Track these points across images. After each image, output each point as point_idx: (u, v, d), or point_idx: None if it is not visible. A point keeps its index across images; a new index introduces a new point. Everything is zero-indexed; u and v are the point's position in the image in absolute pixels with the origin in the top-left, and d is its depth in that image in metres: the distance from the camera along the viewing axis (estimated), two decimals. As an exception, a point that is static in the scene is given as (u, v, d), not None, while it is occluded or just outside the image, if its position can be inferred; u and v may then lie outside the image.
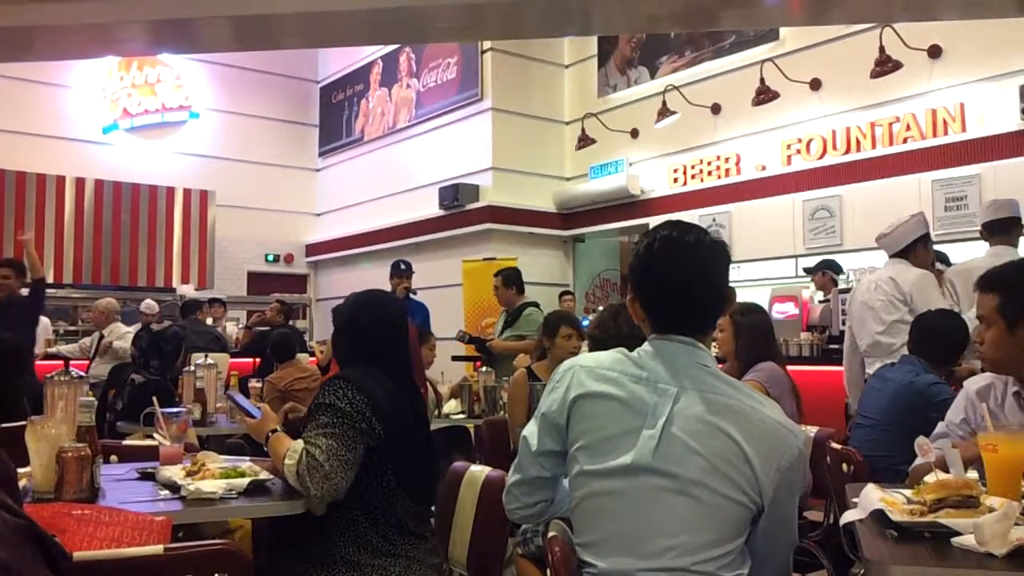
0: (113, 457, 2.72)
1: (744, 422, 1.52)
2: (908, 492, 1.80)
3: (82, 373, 2.37)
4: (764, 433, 1.52)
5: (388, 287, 6.78)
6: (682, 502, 1.49)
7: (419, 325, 6.50)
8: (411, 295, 6.79)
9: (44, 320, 8.75)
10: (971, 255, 4.61)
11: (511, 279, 6.18)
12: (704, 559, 1.48)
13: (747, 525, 1.53)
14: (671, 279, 1.62)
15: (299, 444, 2.17)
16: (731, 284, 1.68)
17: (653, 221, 9.65)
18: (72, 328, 9.90)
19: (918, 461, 2.20)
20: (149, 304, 9.06)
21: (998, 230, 4.35)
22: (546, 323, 4.37)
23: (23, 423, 2.20)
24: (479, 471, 2.47)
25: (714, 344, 3.52)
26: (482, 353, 6.22)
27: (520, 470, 1.73)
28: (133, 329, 6.90)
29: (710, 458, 1.50)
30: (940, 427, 2.35)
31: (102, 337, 7.67)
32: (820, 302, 7.01)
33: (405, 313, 2.60)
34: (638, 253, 1.66)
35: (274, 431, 2.34)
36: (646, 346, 1.65)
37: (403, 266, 6.73)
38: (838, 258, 7.72)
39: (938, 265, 5.93)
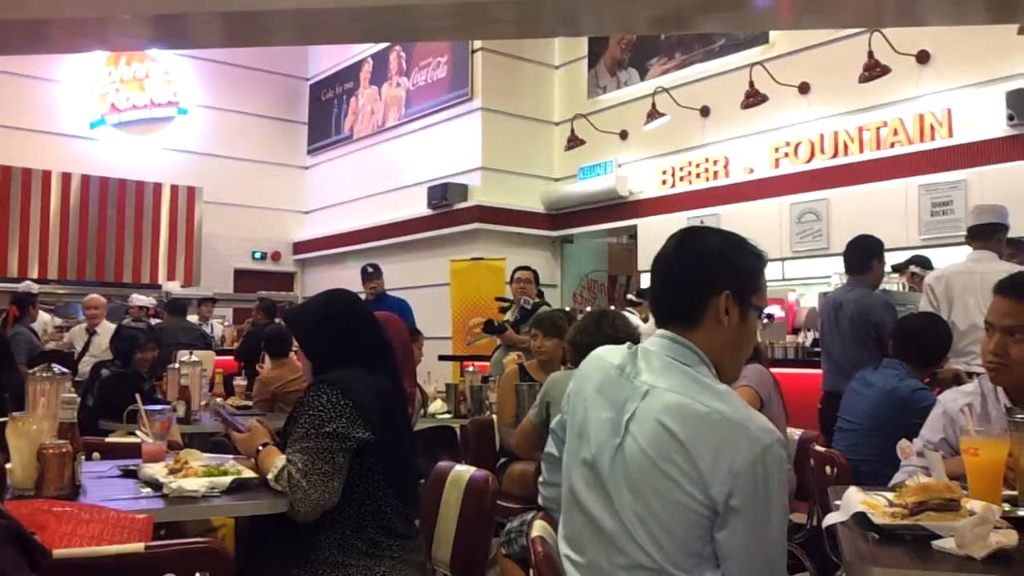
0: (96, 454, 2.70)
1: (689, 419, 1.47)
2: (890, 495, 1.80)
3: (65, 369, 2.34)
4: (709, 431, 1.46)
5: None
6: (639, 503, 1.49)
7: (407, 321, 6.55)
8: (386, 294, 6.88)
9: (44, 315, 8.73)
10: (956, 261, 4.66)
11: (538, 278, 6.44)
12: (666, 562, 1.46)
13: (705, 529, 1.46)
14: (652, 283, 1.76)
15: (282, 461, 2.15)
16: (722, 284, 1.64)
17: (641, 222, 9.69)
18: (55, 325, 9.81)
19: (901, 468, 2.20)
20: (133, 297, 9.08)
21: (979, 235, 4.42)
22: None
23: (4, 419, 2.18)
24: (464, 471, 2.47)
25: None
26: (493, 333, 6.11)
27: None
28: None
29: (655, 457, 1.48)
30: (918, 445, 2.23)
31: (93, 334, 7.62)
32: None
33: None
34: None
35: (265, 444, 2.32)
36: (642, 342, 1.71)
37: (370, 269, 6.91)
38: (823, 262, 7.76)
39: (913, 268, 6.00)
